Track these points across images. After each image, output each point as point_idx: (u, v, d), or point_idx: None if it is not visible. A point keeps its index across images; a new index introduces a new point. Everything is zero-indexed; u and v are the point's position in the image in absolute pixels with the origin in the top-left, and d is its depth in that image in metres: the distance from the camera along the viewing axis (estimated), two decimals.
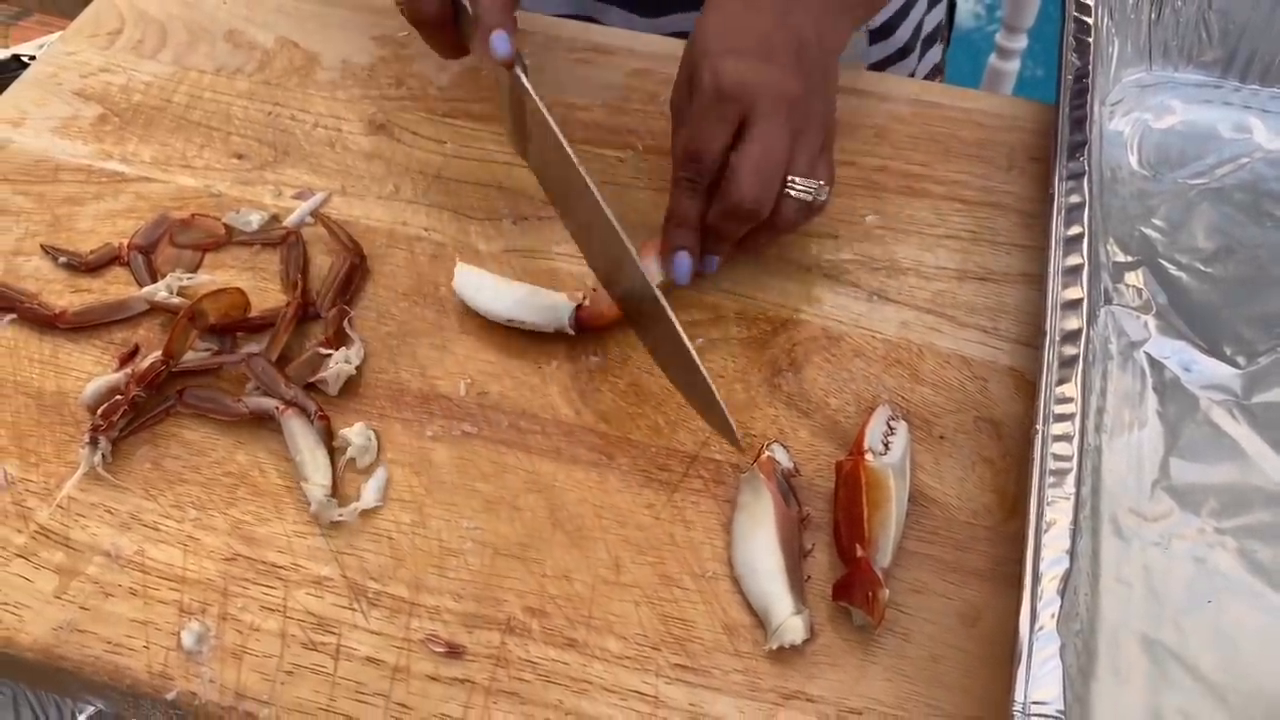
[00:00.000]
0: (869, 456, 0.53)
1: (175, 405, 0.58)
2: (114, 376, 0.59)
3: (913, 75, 0.90)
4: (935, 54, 0.94)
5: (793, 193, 0.57)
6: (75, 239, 0.65)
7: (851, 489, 0.52)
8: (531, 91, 0.58)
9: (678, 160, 0.58)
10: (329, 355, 0.59)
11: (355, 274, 0.63)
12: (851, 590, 0.50)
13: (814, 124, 0.58)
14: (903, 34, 0.86)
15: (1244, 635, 0.52)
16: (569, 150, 0.56)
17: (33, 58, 0.78)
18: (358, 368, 0.59)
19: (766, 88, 0.55)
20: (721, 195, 0.57)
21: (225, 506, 0.55)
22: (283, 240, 0.65)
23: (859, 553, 0.51)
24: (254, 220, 0.66)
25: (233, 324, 0.61)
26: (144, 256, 0.64)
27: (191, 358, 0.59)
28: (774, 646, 0.50)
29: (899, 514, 0.52)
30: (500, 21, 0.57)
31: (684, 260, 0.59)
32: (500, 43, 0.57)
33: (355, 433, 0.56)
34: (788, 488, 0.54)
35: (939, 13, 0.92)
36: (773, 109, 0.55)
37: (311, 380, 0.59)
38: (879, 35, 0.86)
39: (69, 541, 0.54)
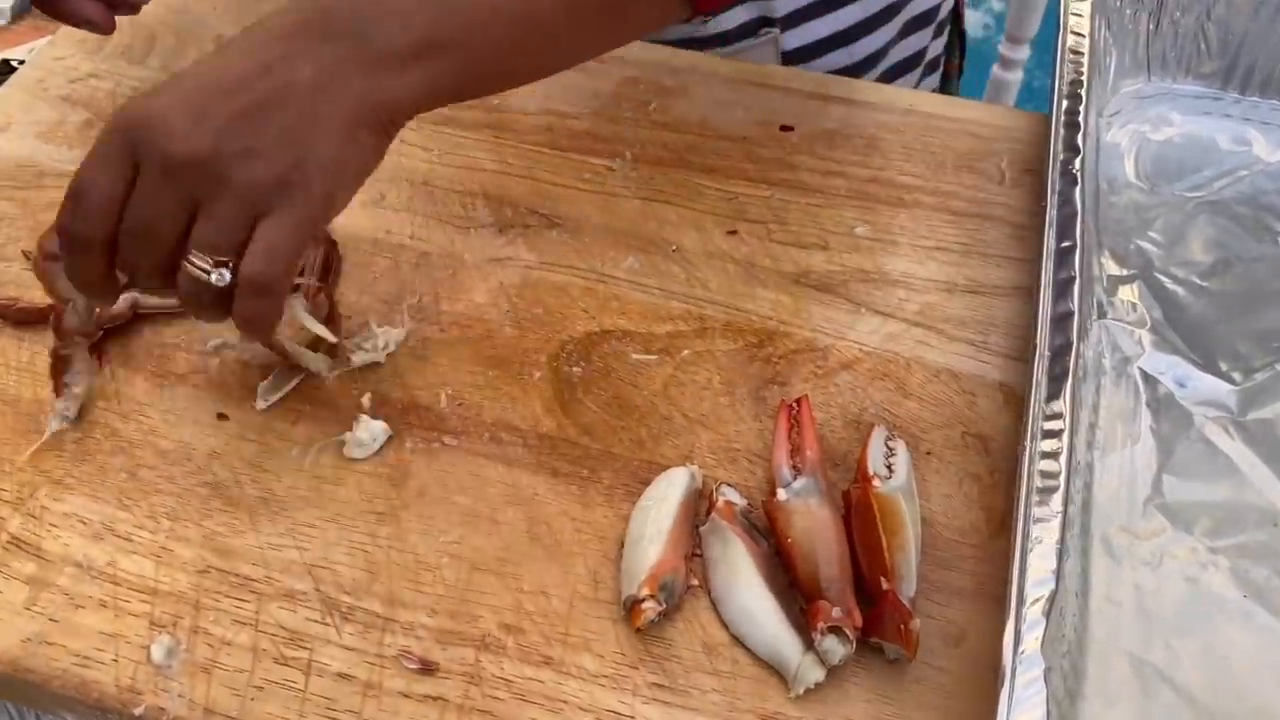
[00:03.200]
0: (876, 482, 0.51)
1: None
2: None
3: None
4: (922, 83, 0.91)
5: (186, 263, 0.46)
6: None
7: (865, 519, 0.51)
8: None
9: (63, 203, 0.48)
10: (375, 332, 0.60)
11: (332, 257, 0.63)
12: (883, 625, 0.48)
13: (225, 193, 0.45)
14: (851, 55, 0.83)
15: (1236, 656, 0.51)
16: None
17: (22, 62, 0.77)
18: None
19: (161, 135, 0.45)
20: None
21: (200, 518, 0.54)
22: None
23: (885, 585, 0.49)
24: None
25: None
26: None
27: (156, 302, 0.61)
28: (799, 692, 0.48)
29: (915, 538, 0.51)
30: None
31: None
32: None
33: (364, 427, 0.56)
34: (749, 524, 0.53)
35: (920, 40, 0.88)
36: (160, 164, 0.45)
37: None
38: (795, 59, 0.82)
39: (41, 552, 0.53)
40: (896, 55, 0.87)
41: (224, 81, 0.46)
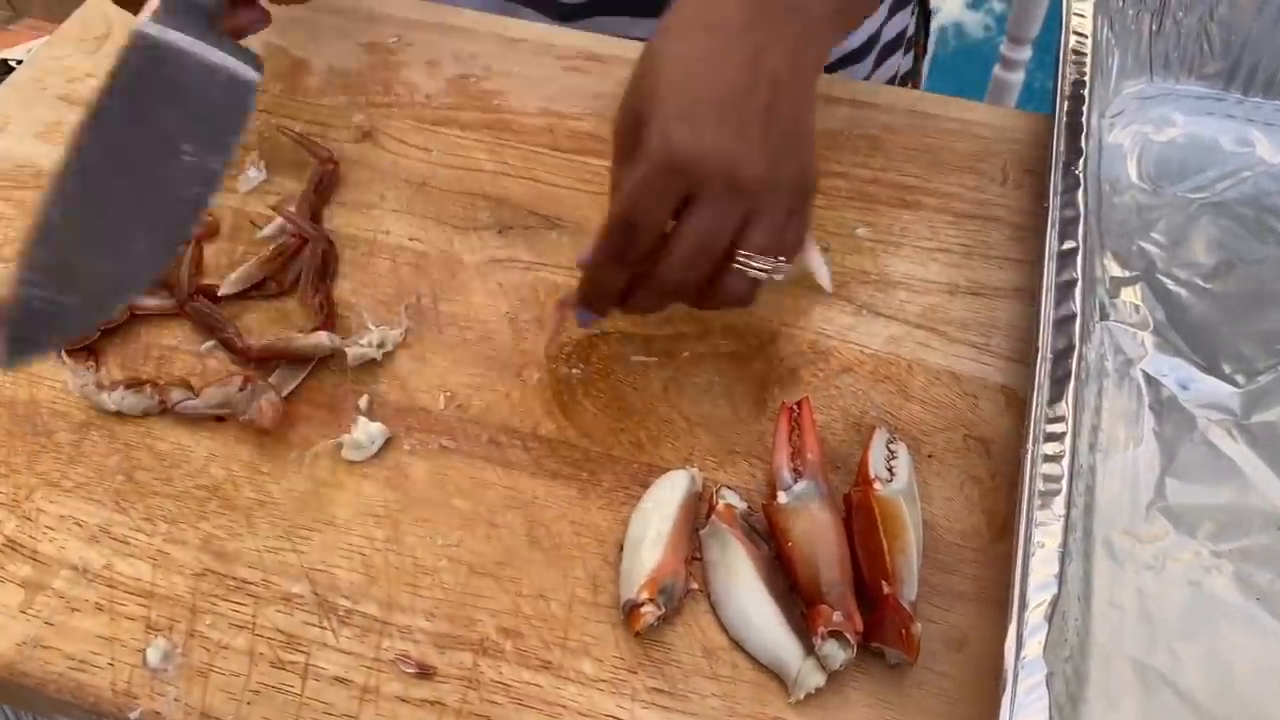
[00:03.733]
0: (877, 485, 0.51)
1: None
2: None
3: (867, 81, 0.88)
4: (900, 62, 0.93)
5: (739, 265, 0.51)
6: None
7: (866, 522, 0.50)
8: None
9: (610, 222, 0.51)
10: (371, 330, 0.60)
11: (329, 258, 0.63)
12: (884, 630, 0.48)
13: (777, 198, 0.50)
14: (851, 40, 0.84)
15: (1239, 661, 0.51)
16: None
17: (20, 62, 0.77)
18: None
19: (720, 167, 0.48)
20: (654, 268, 0.51)
21: (197, 520, 0.54)
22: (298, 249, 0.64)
23: (885, 589, 0.49)
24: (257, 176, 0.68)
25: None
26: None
27: (154, 303, 0.62)
28: (799, 697, 0.48)
29: (917, 542, 0.50)
30: None
31: (587, 316, 0.57)
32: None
33: (362, 429, 0.56)
34: (749, 528, 0.53)
35: (902, 20, 0.90)
36: (724, 191, 0.49)
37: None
38: None
39: (37, 555, 0.53)
40: (886, 35, 0.88)
41: (729, 93, 0.49)
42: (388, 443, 0.56)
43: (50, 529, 0.54)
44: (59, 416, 0.57)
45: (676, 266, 0.50)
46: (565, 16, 0.81)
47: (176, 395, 0.57)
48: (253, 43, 0.73)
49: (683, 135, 0.48)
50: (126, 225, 0.51)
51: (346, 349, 0.58)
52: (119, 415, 0.57)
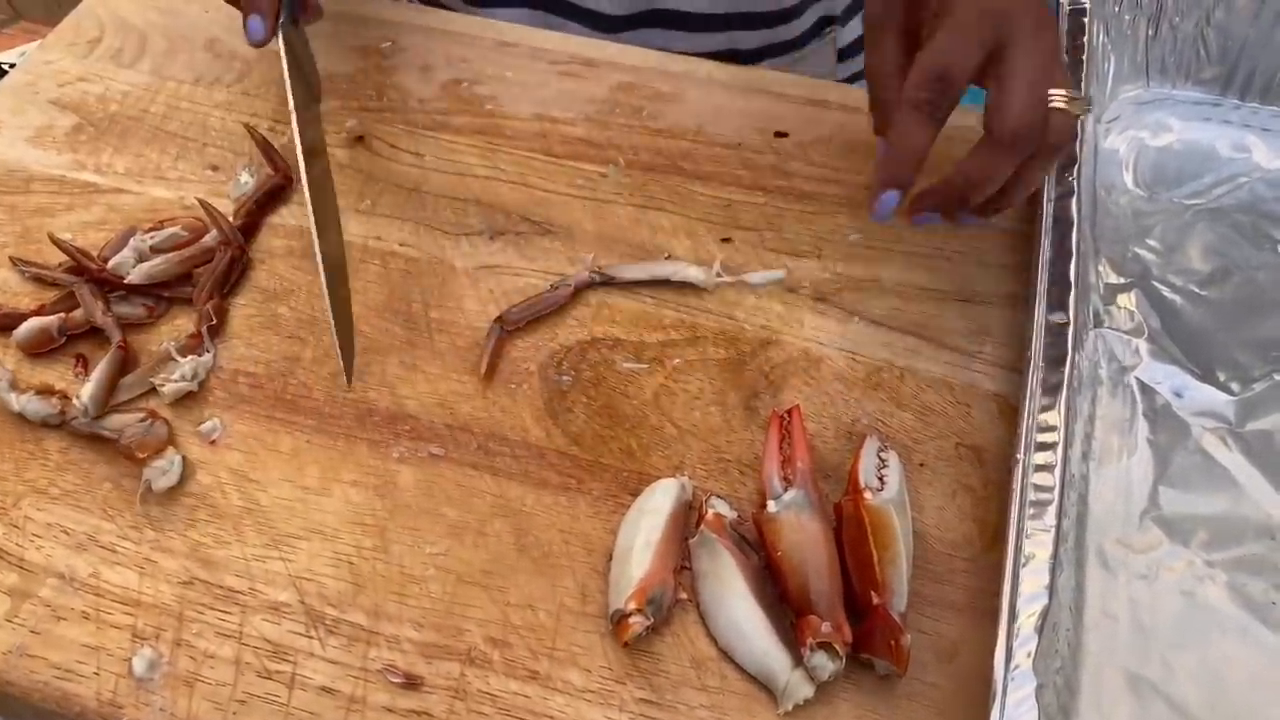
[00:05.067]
0: (867, 495, 0.51)
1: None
2: (48, 319, 0.60)
3: None
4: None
5: (1060, 104, 0.52)
6: (45, 251, 0.64)
7: (856, 532, 0.50)
8: (285, 70, 0.63)
9: (913, 80, 0.52)
10: (180, 362, 0.59)
11: (235, 267, 0.63)
12: (873, 641, 0.48)
13: (1057, 44, 0.55)
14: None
15: (1232, 672, 0.50)
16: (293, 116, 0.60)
17: (13, 65, 0.77)
18: (203, 380, 0.59)
19: (1029, 16, 0.52)
20: (993, 127, 0.52)
21: (184, 528, 0.54)
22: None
23: (875, 600, 0.48)
24: (248, 181, 0.68)
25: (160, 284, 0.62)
26: (92, 286, 0.62)
27: (127, 310, 0.62)
28: (788, 708, 0.48)
29: (907, 552, 0.50)
30: (258, 5, 0.61)
31: (892, 199, 0.55)
32: (254, 28, 0.62)
33: (161, 462, 0.55)
34: (739, 537, 0.52)
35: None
36: (1035, 35, 0.52)
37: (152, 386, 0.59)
38: (849, 53, 0.84)
39: (23, 562, 0.53)
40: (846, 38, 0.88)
41: None
42: (377, 450, 0.56)
43: (37, 536, 0.53)
44: (47, 424, 0.57)
45: (1021, 109, 0.52)
46: (611, 29, 0.81)
47: (74, 410, 0.56)
48: (243, 48, 0.74)
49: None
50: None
51: (162, 389, 0.58)
52: None
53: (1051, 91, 0.52)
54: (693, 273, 0.61)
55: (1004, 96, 0.52)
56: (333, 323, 0.57)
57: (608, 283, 0.62)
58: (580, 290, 0.62)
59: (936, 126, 0.53)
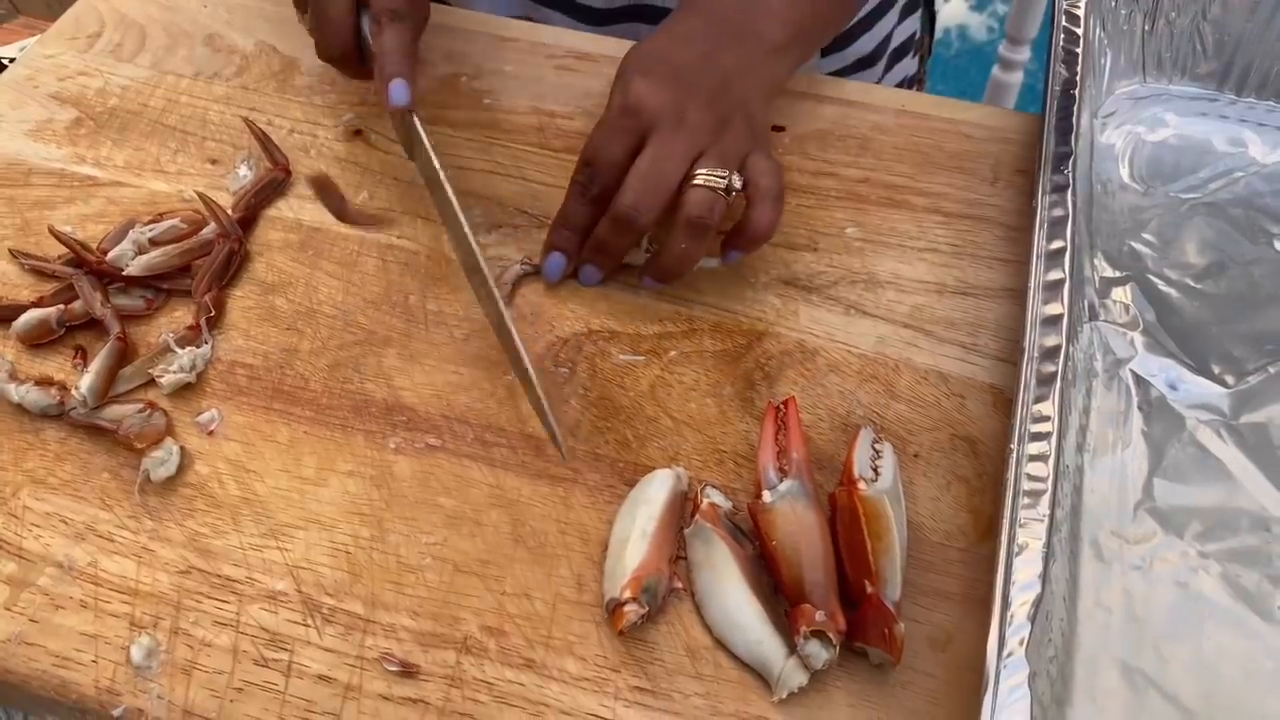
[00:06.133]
0: (861, 485, 0.51)
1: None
2: (47, 311, 0.60)
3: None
4: (909, 66, 0.93)
5: (696, 181, 0.57)
6: (45, 243, 0.65)
7: (850, 521, 0.50)
8: (425, 139, 0.62)
9: (577, 165, 0.60)
10: (179, 354, 0.59)
11: (233, 259, 0.63)
12: (867, 630, 0.48)
13: (723, 142, 0.58)
14: (863, 45, 0.85)
15: (1226, 663, 0.50)
16: (455, 208, 0.60)
17: (13, 59, 0.77)
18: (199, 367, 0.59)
19: (671, 112, 0.57)
20: (610, 205, 0.58)
21: (182, 518, 0.54)
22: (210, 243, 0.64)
23: (868, 589, 0.48)
24: (246, 175, 0.68)
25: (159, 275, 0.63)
26: (91, 278, 0.62)
27: (126, 302, 0.62)
28: (782, 696, 0.48)
29: (901, 541, 0.50)
30: (399, 70, 0.60)
31: (557, 260, 0.61)
32: (398, 92, 0.61)
33: (159, 453, 0.55)
34: (733, 527, 0.52)
35: (912, 24, 0.91)
36: (673, 129, 0.57)
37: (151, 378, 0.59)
38: (831, 47, 0.85)
39: (22, 552, 0.53)
40: (897, 39, 0.89)
41: (683, 66, 0.59)
42: (374, 440, 0.56)
43: (36, 526, 0.54)
44: (46, 415, 0.57)
45: (631, 185, 0.57)
46: (597, 22, 0.82)
47: (73, 401, 0.57)
48: (243, 43, 0.74)
49: (640, 86, 0.58)
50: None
51: (161, 380, 0.58)
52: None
53: (695, 171, 0.57)
54: (631, 255, 0.62)
55: (628, 173, 0.57)
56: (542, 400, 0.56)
57: (537, 271, 0.63)
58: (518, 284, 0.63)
59: (589, 204, 0.60)
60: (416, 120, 0.62)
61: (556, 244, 0.61)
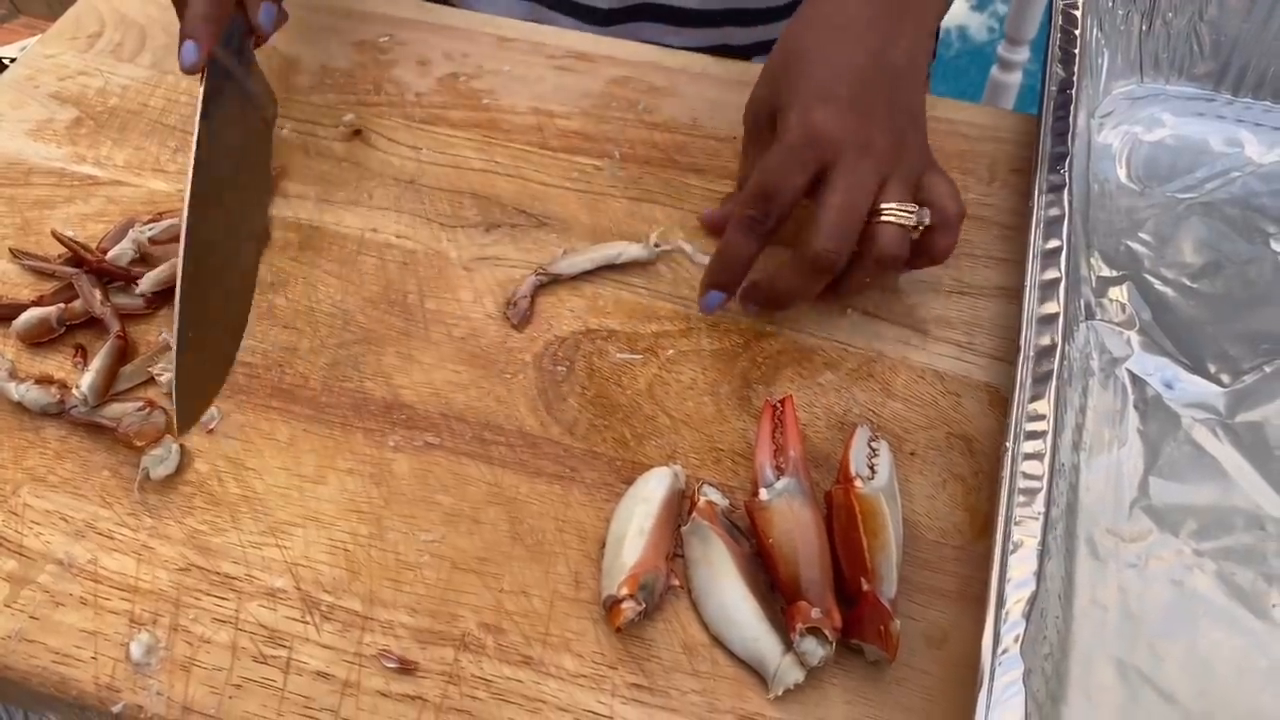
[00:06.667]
0: (858, 483, 0.51)
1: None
2: (47, 310, 0.60)
3: None
4: None
5: (885, 218, 0.55)
6: (45, 243, 0.65)
7: (846, 519, 0.50)
8: (199, 107, 0.60)
9: (746, 196, 0.56)
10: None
11: None
12: (863, 627, 0.48)
13: (905, 165, 0.56)
14: None
15: (1221, 661, 0.51)
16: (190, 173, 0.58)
17: (13, 59, 0.77)
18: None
19: (854, 140, 0.54)
20: (801, 246, 0.55)
21: (181, 515, 0.54)
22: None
23: (865, 586, 0.49)
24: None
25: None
26: (90, 277, 0.62)
27: (126, 301, 0.62)
28: (778, 693, 0.48)
29: (897, 539, 0.50)
30: (195, 32, 0.59)
31: (716, 298, 0.59)
32: (188, 54, 0.60)
33: (158, 451, 0.55)
34: (730, 525, 0.53)
35: None
36: (858, 159, 0.54)
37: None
38: None
39: (22, 549, 0.53)
40: None
41: (857, 81, 0.56)
42: (373, 438, 0.56)
43: (36, 524, 0.54)
44: (46, 413, 0.57)
45: (828, 230, 0.54)
46: (602, 22, 0.82)
47: (73, 400, 0.57)
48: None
49: (820, 115, 0.54)
50: (231, 278, 0.62)
51: (160, 378, 0.58)
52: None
53: (883, 206, 0.55)
54: (634, 250, 0.62)
55: (816, 218, 0.54)
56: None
57: (555, 280, 0.63)
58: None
59: (759, 240, 0.57)
60: (201, 84, 0.61)
61: (721, 283, 0.58)
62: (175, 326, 0.56)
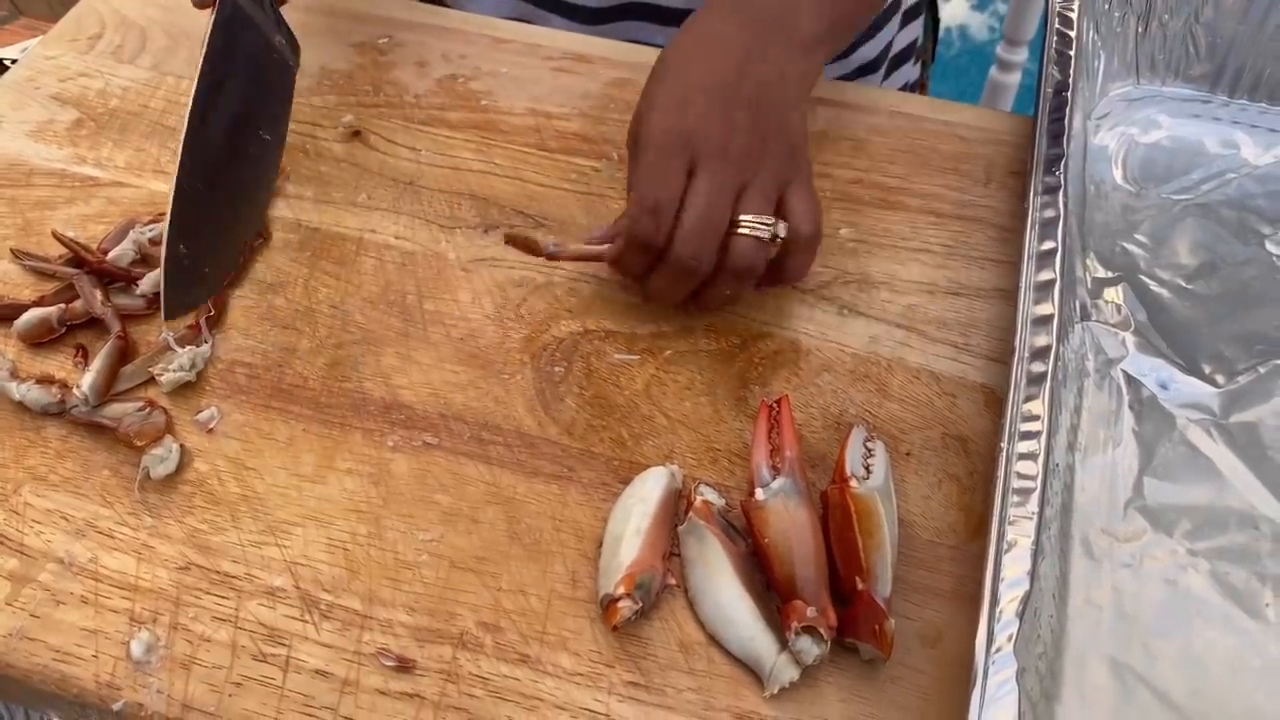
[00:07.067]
0: (853, 483, 0.51)
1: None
2: (48, 310, 0.61)
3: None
4: (910, 72, 0.94)
5: (741, 230, 0.55)
6: (46, 243, 0.65)
7: (841, 519, 0.51)
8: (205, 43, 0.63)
9: (631, 209, 0.56)
10: (178, 352, 0.59)
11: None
12: (858, 626, 0.48)
13: (768, 170, 0.56)
14: (867, 52, 0.86)
15: (1214, 660, 0.51)
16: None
17: (14, 61, 0.78)
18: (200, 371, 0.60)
19: (713, 143, 0.55)
20: (667, 253, 0.56)
21: (182, 515, 0.54)
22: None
23: (860, 585, 0.49)
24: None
25: None
26: (91, 277, 0.63)
27: (127, 302, 0.62)
28: (774, 691, 0.48)
29: (892, 539, 0.51)
30: None
31: None
32: None
33: (159, 450, 0.56)
34: (727, 524, 0.53)
35: (914, 30, 0.91)
36: (718, 163, 0.55)
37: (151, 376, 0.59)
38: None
39: (23, 548, 0.53)
40: (898, 45, 0.89)
41: (717, 84, 0.57)
42: (372, 438, 0.57)
43: (37, 523, 0.54)
44: (47, 413, 0.58)
45: (688, 236, 0.54)
46: (591, 21, 0.82)
47: (74, 399, 0.57)
48: None
49: (679, 116, 0.55)
50: (232, 195, 0.63)
51: (161, 378, 0.58)
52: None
53: (740, 218, 0.55)
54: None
55: (679, 222, 0.55)
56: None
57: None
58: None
59: (651, 254, 0.56)
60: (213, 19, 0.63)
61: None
62: (169, 209, 0.57)
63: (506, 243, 0.61)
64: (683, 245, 0.55)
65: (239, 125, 0.64)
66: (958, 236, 0.65)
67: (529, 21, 0.81)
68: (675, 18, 0.82)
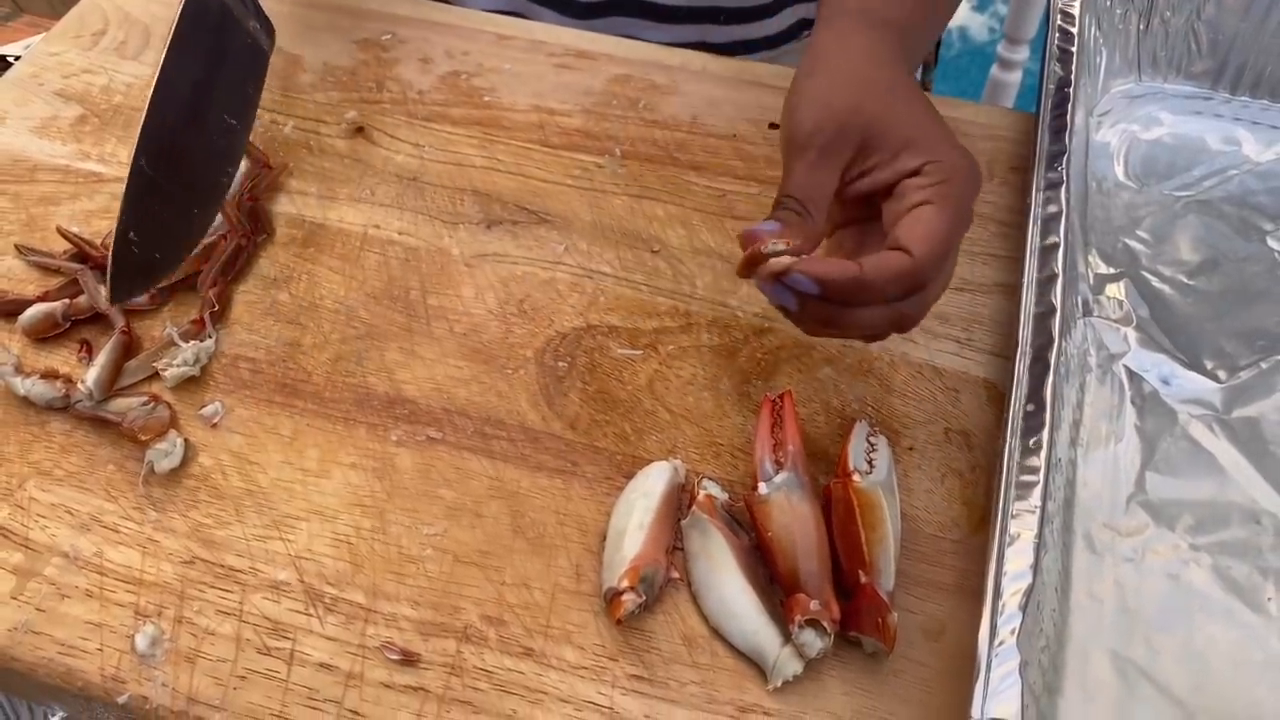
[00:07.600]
0: (856, 477, 0.52)
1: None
2: (53, 305, 0.61)
3: None
4: (917, 73, 0.94)
5: None
6: (50, 239, 0.65)
7: (845, 513, 0.51)
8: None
9: (927, 255, 0.47)
10: (182, 347, 0.59)
11: (241, 255, 0.64)
12: (861, 619, 0.49)
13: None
14: None
15: (1216, 654, 0.51)
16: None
17: (18, 57, 0.78)
18: (204, 366, 0.60)
19: (971, 181, 0.50)
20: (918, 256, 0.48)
21: (186, 509, 0.55)
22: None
23: (863, 579, 0.49)
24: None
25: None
26: (95, 273, 0.63)
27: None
28: (777, 684, 0.49)
29: (895, 533, 0.51)
30: None
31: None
32: None
33: (163, 445, 0.56)
34: (730, 518, 0.53)
35: None
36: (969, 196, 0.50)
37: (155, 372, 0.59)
38: None
39: (28, 542, 0.54)
40: None
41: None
42: (375, 433, 0.57)
43: (42, 517, 0.54)
44: (52, 408, 0.58)
45: (948, 281, 0.51)
46: (584, 15, 0.82)
47: (78, 394, 0.57)
48: None
49: (959, 156, 0.49)
50: (191, 181, 0.61)
51: (165, 373, 0.59)
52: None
53: None
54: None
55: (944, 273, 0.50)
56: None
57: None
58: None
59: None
60: None
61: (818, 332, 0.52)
62: (123, 193, 0.56)
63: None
64: (943, 288, 0.50)
65: (202, 109, 0.63)
66: None
67: (523, 15, 0.81)
68: (663, 14, 0.82)
